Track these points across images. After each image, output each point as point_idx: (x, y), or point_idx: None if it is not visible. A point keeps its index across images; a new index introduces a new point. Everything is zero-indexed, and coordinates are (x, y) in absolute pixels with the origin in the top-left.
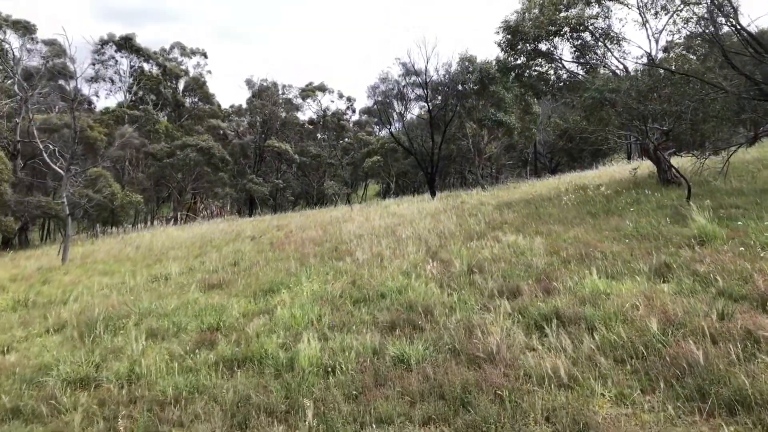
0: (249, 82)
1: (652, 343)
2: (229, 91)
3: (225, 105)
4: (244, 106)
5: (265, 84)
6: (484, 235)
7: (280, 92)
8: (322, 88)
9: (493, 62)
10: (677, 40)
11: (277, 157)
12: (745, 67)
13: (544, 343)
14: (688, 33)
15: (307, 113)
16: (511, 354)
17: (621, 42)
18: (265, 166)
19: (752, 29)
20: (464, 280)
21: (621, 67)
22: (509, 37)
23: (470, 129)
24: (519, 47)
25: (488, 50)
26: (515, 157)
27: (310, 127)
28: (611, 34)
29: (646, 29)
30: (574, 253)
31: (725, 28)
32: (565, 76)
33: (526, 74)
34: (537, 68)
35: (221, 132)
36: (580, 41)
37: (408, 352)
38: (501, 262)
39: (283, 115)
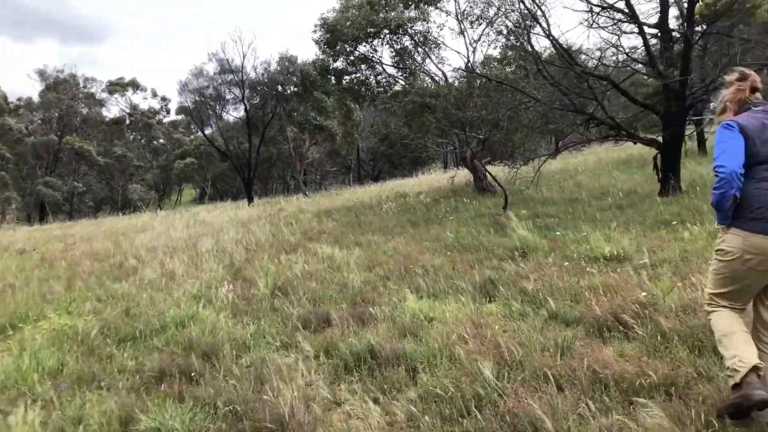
0: (42, 73)
1: (487, 393)
2: (17, 82)
3: (12, 98)
4: (37, 99)
5: (61, 76)
6: (298, 248)
7: (81, 85)
8: (135, 84)
9: (313, 62)
10: (493, 50)
11: (77, 157)
12: (555, 78)
13: (355, 393)
14: (503, 43)
15: (113, 110)
16: (311, 416)
17: (439, 48)
18: (62, 168)
19: (562, 41)
20: (266, 305)
21: (440, 74)
22: (328, 36)
23: (291, 133)
24: (338, 47)
25: (310, 51)
26: (339, 164)
27: (115, 126)
28: (430, 39)
29: (464, 37)
30: (395, 268)
31: (538, 41)
32: (384, 81)
33: (346, 78)
34: (357, 73)
35: (8, 127)
36: (399, 45)
37: (169, 425)
38: (313, 280)
39: (85, 111)
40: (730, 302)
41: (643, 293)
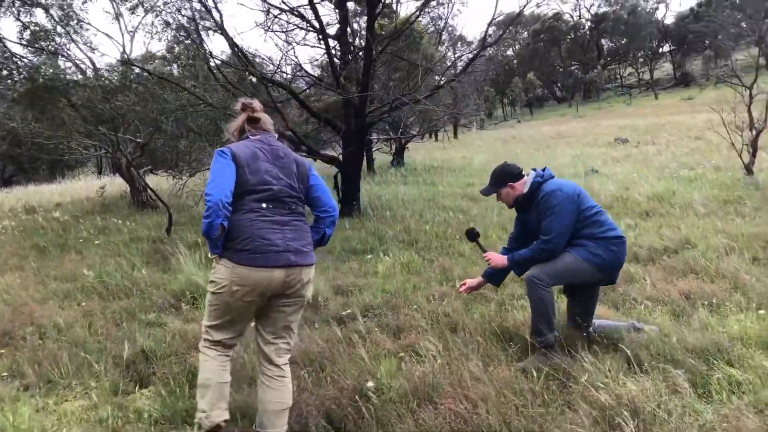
0: None
1: None
2: None
3: None
4: None
5: None
6: None
7: None
8: None
9: None
10: (158, 42)
11: None
12: (231, 82)
13: None
14: (172, 36)
15: None
16: None
17: (82, 28)
18: None
19: (239, 42)
20: None
21: (88, 61)
22: None
23: None
24: None
25: None
26: None
27: None
28: (72, 15)
29: (120, 23)
30: None
31: (211, 39)
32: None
33: None
34: None
35: None
36: (31, 19)
37: None
38: None
39: None
40: (224, 334)
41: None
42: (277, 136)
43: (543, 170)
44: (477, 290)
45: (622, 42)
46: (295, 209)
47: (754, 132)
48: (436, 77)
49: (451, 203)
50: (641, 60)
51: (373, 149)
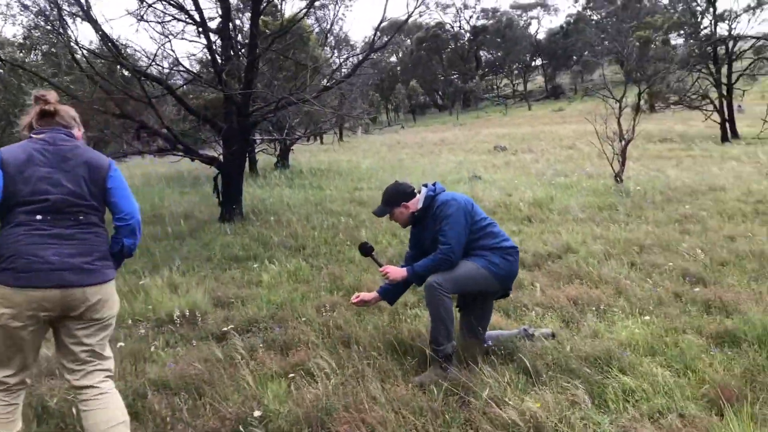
0: None
1: None
2: None
3: None
4: None
5: None
6: None
7: None
8: None
9: None
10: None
11: None
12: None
13: None
14: (30, 21)
15: None
16: None
17: None
18: None
19: (108, 31)
20: None
21: None
22: None
23: None
24: None
25: None
26: None
27: None
28: None
29: None
30: None
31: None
32: None
33: None
34: None
35: None
36: None
37: None
38: None
39: None
40: (1, 371)
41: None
42: (79, 131)
43: (434, 185)
44: (370, 305)
45: (499, 54)
46: (82, 220)
47: (623, 142)
48: (323, 79)
49: (339, 208)
50: (516, 72)
51: (256, 150)
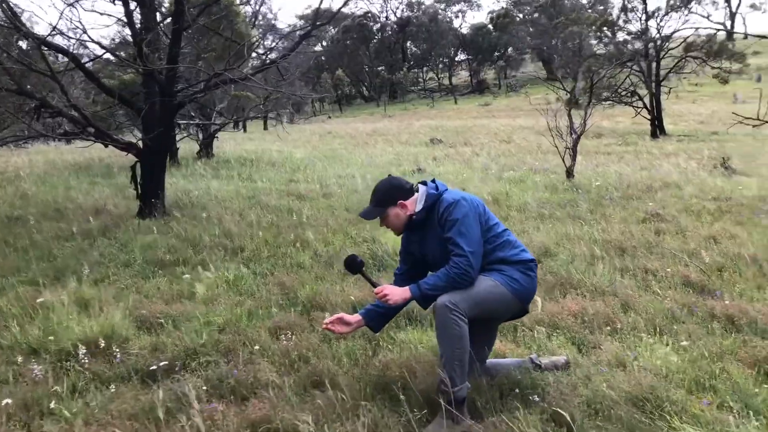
0: None
1: None
2: None
3: None
4: None
5: None
6: None
7: None
8: None
9: None
10: None
11: None
12: None
13: None
14: None
15: None
16: None
17: None
18: None
19: None
20: None
21: None
22: None
23: None
24: None
25: None
26: None
27: None
28: None
29: None
30: None
31: None
32: None
33: None
34: None
35: None
36: None
37: None
38: None
39: None
40: None
41: None
42: None
43: (434, 181)
44: (349, 333)
45: (425, 47)
46: None
47: (574, 136)
48: (255, 60)
49: (276, 202)
50: (441, 66)
51: (178, 138)
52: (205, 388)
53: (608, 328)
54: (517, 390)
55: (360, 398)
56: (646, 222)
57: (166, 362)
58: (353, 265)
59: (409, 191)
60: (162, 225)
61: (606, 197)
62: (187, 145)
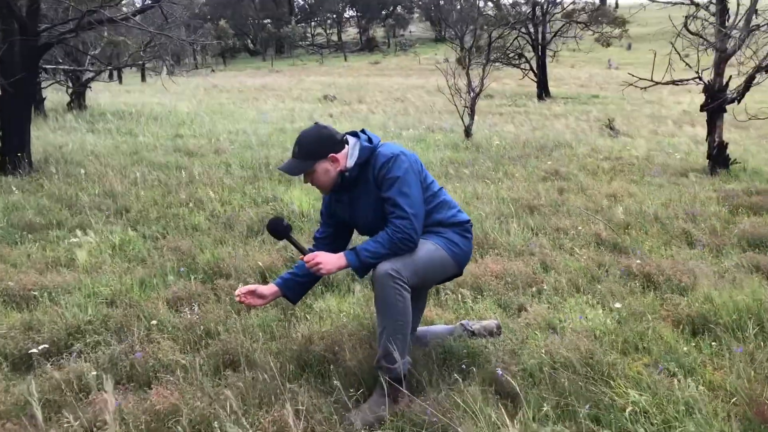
0: None
1: None
2: None
3: None
4: None
5: None
6: None
7: None
8: None
9: None
10: None
11: None
12: None
13: None
14: None
15: None
16: None
17: None
18: None
19: None
20: None
21: None
22: None
23: None
24: None
25: None
26: None
27: None
28: None
29: None
30: None
31: None
32: None
33: None
34: None
35: None
36: None
37: None
38: None
39: None
40: None
41: None
42: None
43: (363, 131)
44: (266, 303)
45: (312, 1)
46: None
47: (471, 95)
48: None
49: (162, 159)
50: (329, 22)
51: (44, 85)
52: (94, 373)
53: (533, 289)
54: (453, 360)
55: (284, 378)
56: (546, 180)
57: (45, 345)
58: (278, 230)
59: (340, 143)
60: (29, 183)
61: (505, 156)
62: (55, 96)
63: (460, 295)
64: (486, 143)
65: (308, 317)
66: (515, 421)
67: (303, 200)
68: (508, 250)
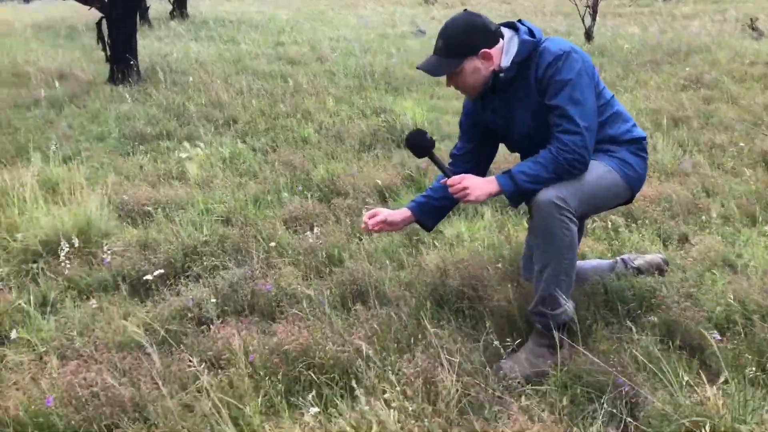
0: None
1: None
2: None
3: None
4: None
5: None
6: None
7: None
8: None
9: None
10: None
11: None
12: None
13: None
14: None
15: None
16: None
17: None
18: None
19: None
20: None
21: None
22: None
23: None
24: None
25: None
26: None
27: None
28: None
29: None
30: None
31: None
32: None
33: None
34: None
35: None
36: None
37: None
38: None
39: None
40: None
41: None
42: None
43: (521, 22)
44: (397, 230)
45: None
46: None
47: None
48: None
49: (266, 67)
50: None
51: None
52: (214, 301)
53: (699, 217)
54: (618, 303)
55: (422, 316)
56: (687, 89)
57: (161, 270)
58: (423, 144)
59: (494, 36)
60: (138, 92)
61: (632, 62)
62: (159, 5)
63: (610, 223)
64: (611, 47)
65: (437, 244)
66: (714, 387)
67: (416, 111)
68: (657, 170)
